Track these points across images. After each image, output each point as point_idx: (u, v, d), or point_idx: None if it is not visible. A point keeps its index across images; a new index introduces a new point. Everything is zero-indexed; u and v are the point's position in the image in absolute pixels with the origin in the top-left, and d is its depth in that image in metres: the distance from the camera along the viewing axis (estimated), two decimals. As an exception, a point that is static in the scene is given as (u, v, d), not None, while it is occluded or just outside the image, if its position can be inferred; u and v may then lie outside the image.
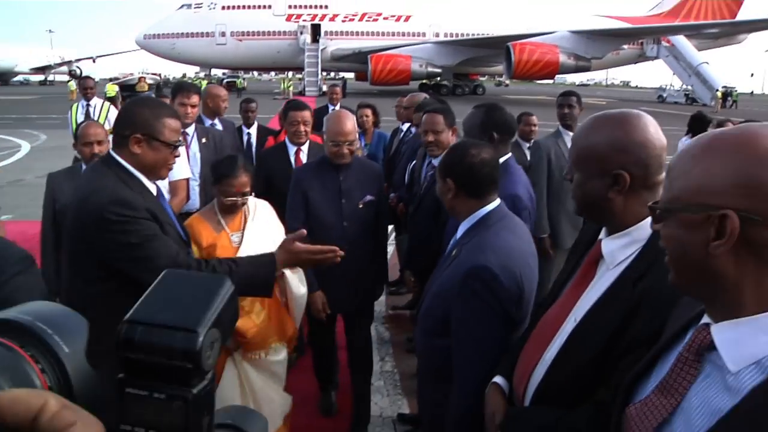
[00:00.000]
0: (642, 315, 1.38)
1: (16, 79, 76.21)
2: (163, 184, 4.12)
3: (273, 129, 6.25)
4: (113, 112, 8.24)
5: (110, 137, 3.31)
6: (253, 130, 6.14)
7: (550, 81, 65.19)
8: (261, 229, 3.24)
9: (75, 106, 8.45)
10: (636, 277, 1.44)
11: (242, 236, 3.17)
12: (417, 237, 3.80)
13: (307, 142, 4.39)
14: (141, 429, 0.62)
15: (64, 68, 75.14)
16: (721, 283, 0.97)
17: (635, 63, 56.72)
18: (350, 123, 3.52)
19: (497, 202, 2.29)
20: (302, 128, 4.31)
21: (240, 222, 3.23)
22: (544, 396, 1.58)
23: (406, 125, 6.02)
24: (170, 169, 2.48)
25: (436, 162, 3.43)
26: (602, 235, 1.58)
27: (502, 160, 3.18)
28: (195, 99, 4.72)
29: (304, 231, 2.40)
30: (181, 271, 0.72)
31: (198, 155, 4.68)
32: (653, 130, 1.50)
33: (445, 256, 2.39)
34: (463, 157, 2.24)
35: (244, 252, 3.04)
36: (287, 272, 3.17)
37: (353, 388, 3.98)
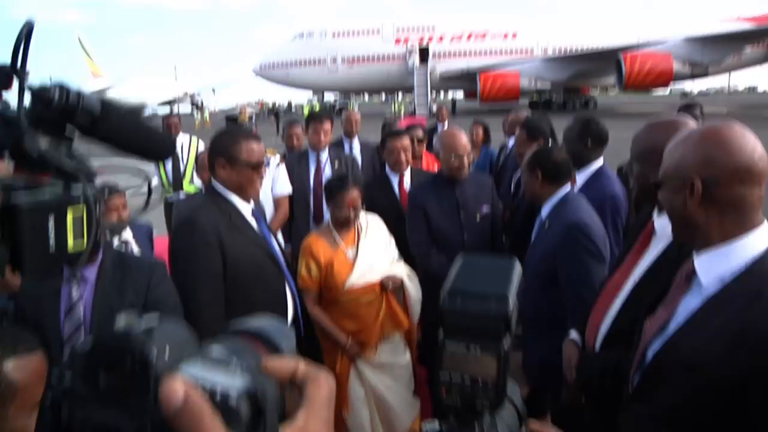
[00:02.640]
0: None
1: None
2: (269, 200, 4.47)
3: None
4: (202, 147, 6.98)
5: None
6: None
7: (666, 91, 62.52)
8: (374, 244, 3.45)
9: None
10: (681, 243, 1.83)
11: (357, 251, 3.38)
12: (515, 236, 4.07)
13: (409, 168, 4.35)
14: (457, 374, 0.80)
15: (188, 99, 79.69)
16: (697, 227, 1.43)
17: (761, 64, 53.25)
18: (465, 138, 3.74)
19: (569, 186, 3.07)
20: (403, 156, 4.25)
21: (354, 238, 3.42)
22: (610, 343, 2.00)
23: (512, 141, 6.38)
24: (258, 188, 2.69)
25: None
26: (655, 214, 1.98)
27: (596, 165, 3.60)
28: (327, 126, 5.03)
29: None
30: (477, 256, 0.91)
31: None
32: None
33: (537, 232, 3.08)
34: (550, 155, 3.06)
35: (360, 265, 3.33)
36: (405, 278, 3.45)
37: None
